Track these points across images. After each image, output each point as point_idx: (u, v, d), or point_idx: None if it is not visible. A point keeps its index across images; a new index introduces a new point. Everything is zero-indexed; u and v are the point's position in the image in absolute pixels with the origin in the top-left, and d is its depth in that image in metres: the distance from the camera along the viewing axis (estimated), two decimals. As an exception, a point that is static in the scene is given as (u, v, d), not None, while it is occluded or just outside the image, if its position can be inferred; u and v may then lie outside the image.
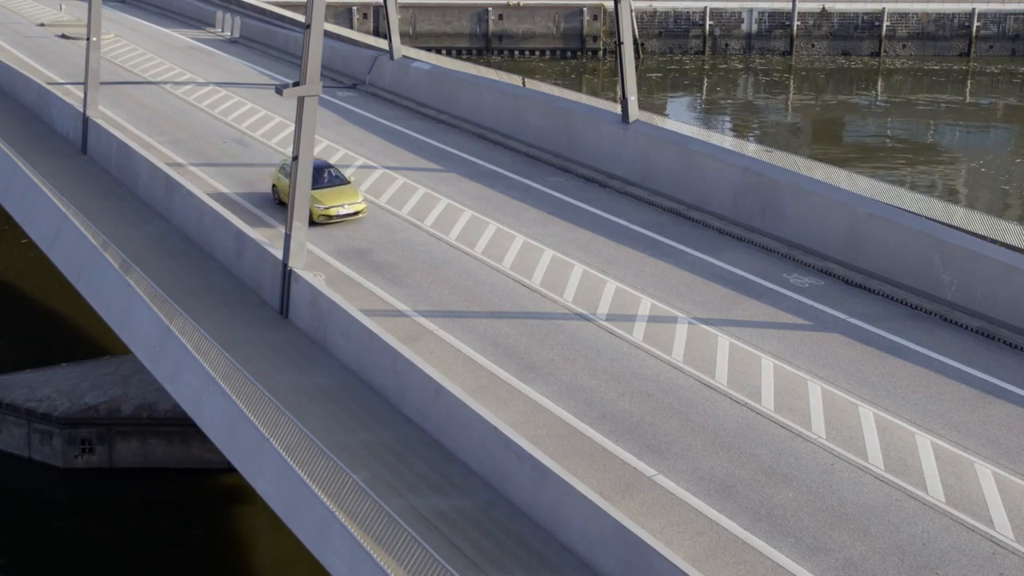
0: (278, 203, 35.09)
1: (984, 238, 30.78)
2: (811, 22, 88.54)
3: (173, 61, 56.61)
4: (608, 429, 23.01)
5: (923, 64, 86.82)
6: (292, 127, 41.84)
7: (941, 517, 20.22)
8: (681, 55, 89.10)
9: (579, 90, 66.88)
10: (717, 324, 27.61)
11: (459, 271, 30.75)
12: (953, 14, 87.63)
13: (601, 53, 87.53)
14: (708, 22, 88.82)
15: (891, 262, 29.77)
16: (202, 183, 37.19)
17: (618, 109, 39.36)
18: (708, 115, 76.14)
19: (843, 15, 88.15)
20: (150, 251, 32.29)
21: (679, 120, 56.05)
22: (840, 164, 48.62)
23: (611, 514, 18.78)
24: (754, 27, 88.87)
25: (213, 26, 66.81)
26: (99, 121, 40.84)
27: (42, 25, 65.21)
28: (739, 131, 70.85)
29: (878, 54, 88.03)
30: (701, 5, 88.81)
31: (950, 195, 57.52)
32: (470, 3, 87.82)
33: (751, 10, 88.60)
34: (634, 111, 38.21)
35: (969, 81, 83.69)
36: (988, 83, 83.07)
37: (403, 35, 72.85)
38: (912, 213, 31.74)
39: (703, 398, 24.21)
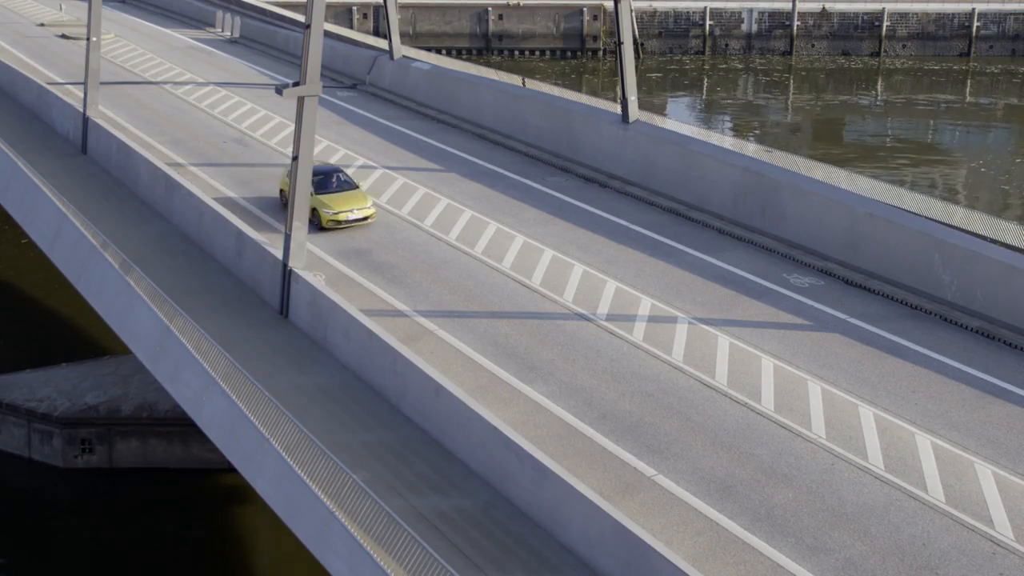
0: (285, 207, 34.69)
1: (984, 238, 30.78)
2: (811, 22, 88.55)
3: (173, 61, 56.60)
4: (608, 429, 23.01)
5: (923, 64, 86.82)
6: (292, 127, 41.84)
7: (941, 517, 20.22)
8: (681, 55, 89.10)
9: (579, 90, 66.90)
10: (717, 324, 27.61)
11: (459, 271, 30.75)
12: (953, 14, 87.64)
13: (601, 53, 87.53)
14: (708, 22, 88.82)
15: (891, 262, 29.77)
16: (202, 183, 37.19)
17: (618, 109, 39.36)
18: (708, 115, 76.14)
19: (843, 15, 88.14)
20: (150, 251, 32.29)
21: (679, 120, 56.05)
22: (840, 164, 48.64)
23: (611, 514, 18.78)
24: (754, 27, 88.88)
25: (213, 26, 66.81)
26: (99, 121, 40.84)
27: (42, 25, 65.20)
28: (739, 131, 70.85)
29: (878, 54, 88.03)
30: (701, 5, 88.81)
31: (950, 195, 57.53)
32: (470, 3, 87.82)
33: (751, 10, 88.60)
34: (634, 111, 38.22)
35: (969, 81, 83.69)
36: (988, 83, 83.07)
37: (403, 35, 72.88)
38: (912, 213, 31.74)
39: (703, 398, 24.21)
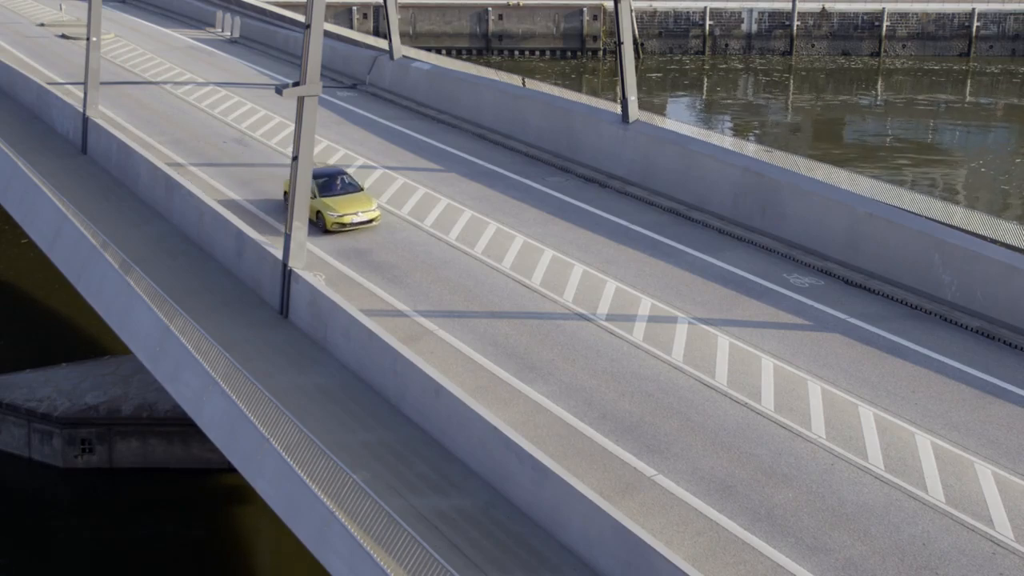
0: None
1: (984, 238, 30.78)
2: (811, 22, 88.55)
3: (173, 61, 56.61)
4: (608, 429, 23.01)
5: (923, 64, 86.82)
6: (292, 127, 41.83)
7: (941, 517, 20.22)
8: (681, 55, 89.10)
9: (579, 90, 66.91)
10: (717, 324, 27.61)
11: (459, 271, 30.75)
12: (953, 14, 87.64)
13: (601, 53, 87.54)
14: (708, 22, 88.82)
15: (891, 262, 29.77)
16: (202, 183, 37.19)
17: (618, 109, 39.36)
18: (708, 115, 76.15)
19: (843, 15, 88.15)
20: (150, 251, 32.29)
21: (679, 120, 56.06)
22: (840, 164, 48.64)
23: (611, 514, 18.78)
24: (754, 27, 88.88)
25: (213, 26, 66.81)
26: (99, 121, 40.84)
27: (42, 25, 65.20)
28: (739, 131, 70.85)
29: (878, 54, 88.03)
30: (701, 5, 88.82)
31: (950, 195, 57.53)
32: (470, 3, 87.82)
33: (751, 10, 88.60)
34: (634, 111, 38.22)
35: (969, 81, 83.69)
36: (988, 83, 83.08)
37: (403, 35, 72.87)
38: (912, 213, 31.74)
39: (703, 398, 24.21)
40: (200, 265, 31.58)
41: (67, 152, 41.58)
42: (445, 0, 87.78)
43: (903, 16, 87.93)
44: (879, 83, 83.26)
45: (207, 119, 45.74)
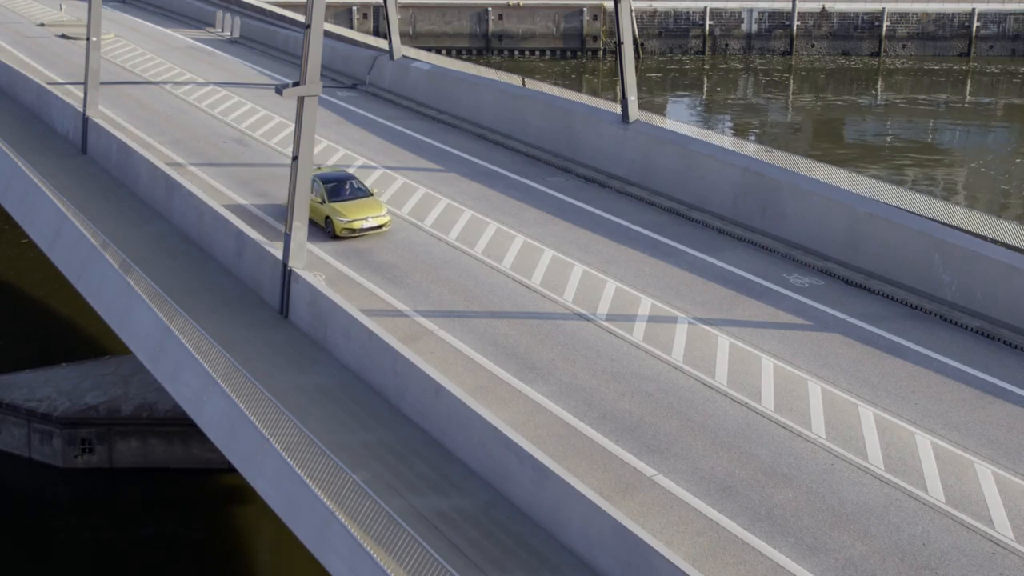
0: None
1: (984, 238, 30.78)
2: (811, 22, 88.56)
3: (173, 61, 56.61)
4: (608, 429, 23.01)
5: (923, 64, 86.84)
6: (292, 127, 41.83)
7: (941, 517, 20.22)
8: (681, 55, 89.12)
9: (579, 90, 66.92)
10: (717, 324, 27.61)
11: (459, 271, 30.75)
12: (953, 14, 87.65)
13: (601, 53, 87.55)
14: (708, 22, 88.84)
15: (891, 262, 29.77)
16: (202, 183, 37.19)
17: (618, 109, 39.36)
18: (708, 115, 76.15)
19: (843, 15, 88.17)
20: (150, 251, 32.29)
21: (679, 120, 56.07)
22: (840, 164, 48.63)
23: (611, 514, 18.78)
24: (754, 27, 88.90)
25: (213, 26, 66.81)
26: (99, 121, 40.84)
27: (42, 25, 65.20)
28: (739, 131, 70.86)
29: (878, 54, 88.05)
30: (701, 5, 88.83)
31: (950, 195, 57.54)
32: (470, 3, 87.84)
33: (751, 10, 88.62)
34: (634, 111, 38.22)
35: (969, 81, 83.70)
36: (988, 83, 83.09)
37: (403, 35, 72.88)
38: (912, 213, 31.74)
39: (703, 398, 24.21)
40: (200, 265, 31.58)
41: (67, 152, 41.58)
42: (445, 0, 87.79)
43: (903, 16, 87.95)
44: (879, 83, 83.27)
45: (207, 119, 45.74)
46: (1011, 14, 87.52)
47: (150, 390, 33.32)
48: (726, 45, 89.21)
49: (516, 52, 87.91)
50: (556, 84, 59.91)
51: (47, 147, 42.02)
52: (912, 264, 29.25)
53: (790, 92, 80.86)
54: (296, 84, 27.64)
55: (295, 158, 28.08)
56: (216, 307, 28.91)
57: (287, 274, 28.25)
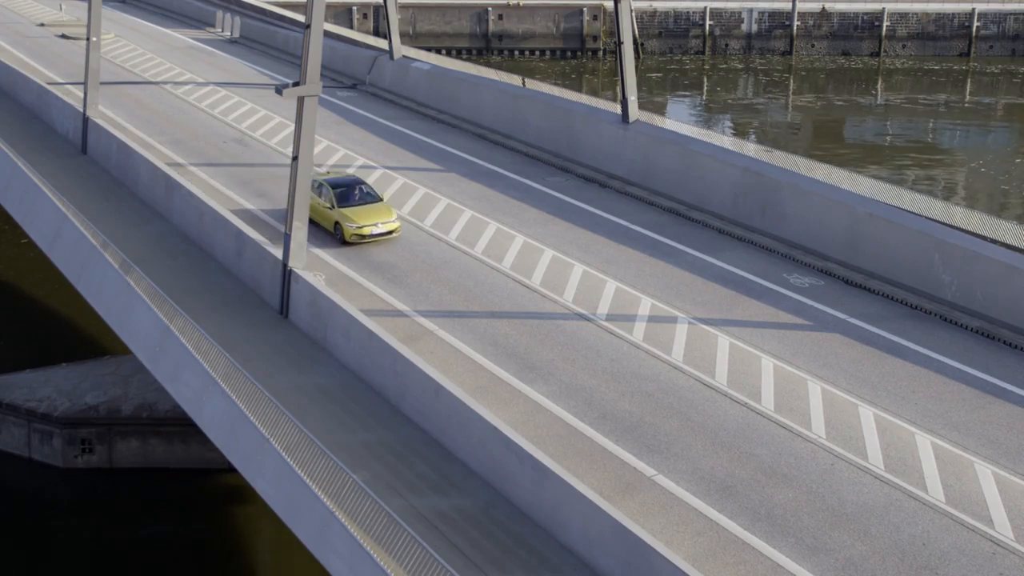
0: (311, 223, 33.22)
1: (984, 238, 30.78)
2: (811, 22, 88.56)
3: (173, 61, 56.61)
4: (608, 429, 23.02)
5: (923, 64, 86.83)
6: (292, 127, 41.84)
7: (941, 517, 20.22)
8: (681, 55, 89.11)
9: (579, 90, 66.90)
10: (717, 324, 27.61)
11: (459, 271, 30.75)
12: (953, 14, 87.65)
13: (601, 53, 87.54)
14: (708, 22, 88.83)
15: (891, 262, 29.77)
16: (202, 183, 37.19)
17: (618, 109, 39.36)
18: (708, 115, 76.16)
19: (843, 15, 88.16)
20: (150, 251, 32.29)
21: (679, 120, 56.07)
22: (841, 164, 48.63)
23: (611, 514, 18.79)
24: (754, 27, 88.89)
25: (213, 26, 66.81)
26: (99, 121, 40.84)
27: (42, 25, 65.20)
28: (739, 131, 70.86)
29: (878, 54, 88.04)
30: (701, 5, 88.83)
31: (950, 195, 57.53)
32: (470, 3, 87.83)
33: (751, 10, 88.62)
34: (634, 111, 38.22)
35: (969, 81, 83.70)
36: (988, 83, 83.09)
37: (403, 35, 72.89)
38: (912, 213, 31.74)
39: (703, 398, 24.21)
40: (200, 265, 31.58)
41: (67, 152, 41.58)
42: (445, 0, 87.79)
43: (903, 16, 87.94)
44: (879, 83, 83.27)
45: (207, 119, 45.74)
46: (1011, 14, 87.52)
47: (150, 390, 33.32)
48: (726, 45, 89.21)
49: (516, 52, 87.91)
50: (556, 84, 59.92)
51: (47, 147, 42.02)
52: (912, 264, 29.25)
53: (790, 92, 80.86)
54: (296, 84, 27.64)
55: (295, 158, 28.08)
56: (216, 307, 28.91)
57: (287, 274, 28.25)
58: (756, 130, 72.33)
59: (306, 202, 28.50)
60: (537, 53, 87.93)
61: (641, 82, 76.49)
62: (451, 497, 21.14)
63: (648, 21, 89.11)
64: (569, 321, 27.77)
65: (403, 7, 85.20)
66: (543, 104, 42.23)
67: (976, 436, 22.76)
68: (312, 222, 33.06)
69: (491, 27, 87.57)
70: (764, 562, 19.04)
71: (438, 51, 73.58)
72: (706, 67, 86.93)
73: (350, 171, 38.81)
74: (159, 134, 43.29)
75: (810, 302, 28.89)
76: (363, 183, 34.12)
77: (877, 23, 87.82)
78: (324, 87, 44.62)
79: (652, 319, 27.88)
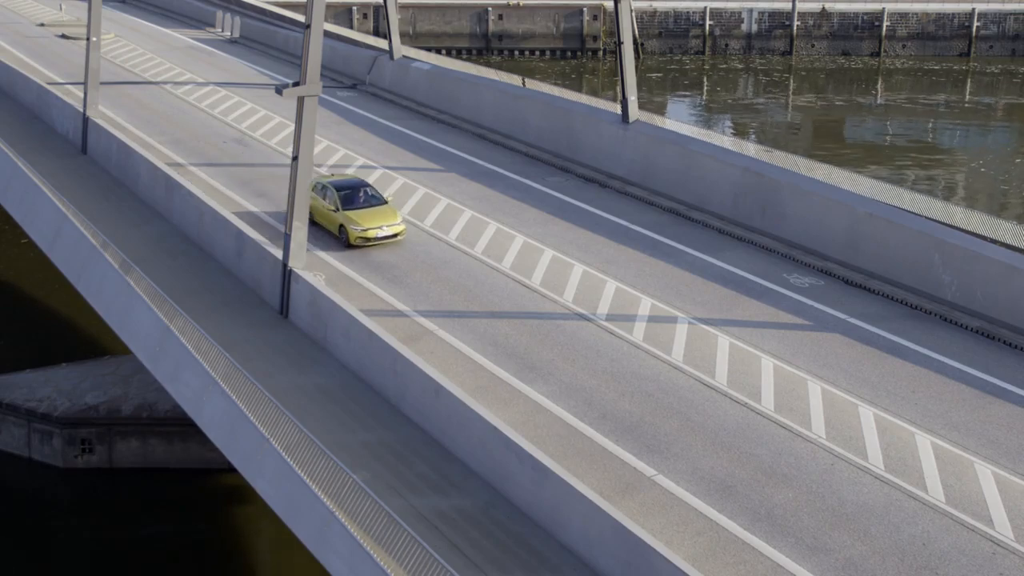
0: (311, 223, 32.67)
1: (984, 238, 30.78)
2: (811, 22, 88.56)
3: (173, 61, 56.61)
4: (608, 429, 23.02)
5: (923, 64, 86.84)
6: (292, 127, 41.83)
7: (941, 517, 20.22)
8: (681, 55, 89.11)
9: (579, 90, 66.91)
10: (717, 324, 27.62)
11: (459, 271, 30.75)
12: (953, 14, 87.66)
13: (601, 53, 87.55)
14: (708, 22, 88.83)
15: (891, 262, 29.77)
16: (202, 183, 37.18)
17: (618, 109, 39.36)
18: (708, 115, 76.16)
19: (843, 15, 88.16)
20: (150, 251, 32.29)
21: (679, 120, 56.07)
22: (840, 164, 48.63)
23: (611, 514, 18.79)
24: (754, 27, 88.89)
25: (213, 26, 66.82)
26: (99, 121, 40.85)
27: (42, 25, 65.20)
28: (739, 131, 70.86)
29: (878, 54, 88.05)
30: (701, 5, 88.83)
31: (950, 195, 57.53)
32: (470, 3, 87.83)
33: (751, 10, 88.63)
34: (634, 111, 38.22)
35: (969, 81, 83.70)
36: (988, 83, 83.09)
37: (403, 35, 72.86)
38: (912, 213, 31.74)
39: (703, 398, 24.21)
40: (200, 265, 31.59)
41: (67, 152, 41.59)
42: (445, 0, 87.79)
43: (903, 16, 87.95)
44: (879, 83, 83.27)
45: (207, 119, 45.75)
46: (1011, 14, 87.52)
47: (150, 390, 33.32)
48: (726, 45, 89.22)
49: (516, 52, 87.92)
50: (556, 84, 59.92)
51: (47, 147, 42.03)
52: (912, 264, 29.25)
53: (790, 92, 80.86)
54: (296, 84, 27.65)
55: (295, 158, 28.08)
56: (216, 307, 28.91)
57: (287, 274, 28.25)
58: (756, 130, 72.33)
59: (306, 202, 28.49)
60: (537, 53, 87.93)
61: (641, 82, 76.50)
62: (451, 497, 21.14)
63: (648, 21, 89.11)
64: (569, 321, 27.77)
65: (403, 7, 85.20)
66: (543, 104, 42.23)
67: (976, 436, 22.76)
68: (316, 225, 33.07)
69: (491, 27, 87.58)
70: (764, 562, 19.04)
71: (438, 51, 73.58)
72: (706, 67, 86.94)
73: (350, 171, 38.81)
74: (159, 134, 43.29)
75: (810, 302, 28.89)
76: (368, 185, 33.76)
77: (877, 23, 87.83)
78: (324, 87, 44.59)
79: (652, 319, 27.88)
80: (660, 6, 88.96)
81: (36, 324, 42.13)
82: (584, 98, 45.63)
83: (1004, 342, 26.63)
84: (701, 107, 78.11)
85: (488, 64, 73.38)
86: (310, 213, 33.17)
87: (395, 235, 32.43)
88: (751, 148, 45.29)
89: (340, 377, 25.57)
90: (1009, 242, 31.48)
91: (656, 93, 79.62)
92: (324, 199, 33.03)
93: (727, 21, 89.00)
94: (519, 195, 36.94)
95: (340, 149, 41.96)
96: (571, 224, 34.30)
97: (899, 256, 29.60)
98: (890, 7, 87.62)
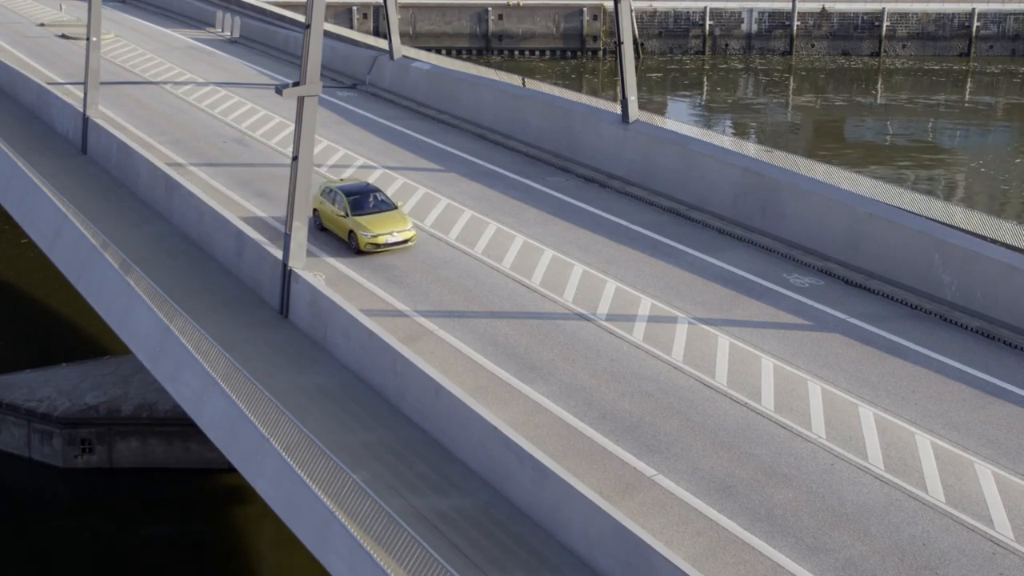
0: (320, 228, 33.07)
1: (984, 238, 30.78)
2: (811, 22, 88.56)
3: (173, 61, 56.61)
4: (608, 429, 23.02)
5: (923, 64, 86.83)
6: (292, 127, 41.84)
7: (941, 517, 20.22)
8: (681, 55, 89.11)
9: (579, 90, 66.91)
10: (717, 324, 27.61)
11: (459, 271, 30.75)
12: (953, 14, 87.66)
13: (601, 53, 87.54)
14: (708, 22, 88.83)
15: (891, 262, 29.77)
16: (202, 183, 37.18)
17: (618, 109, 39.36)
18: (708, 115, 76.15)
19: (843, 15, 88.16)
20: (150, 251, 32.29)
21: (679, 120, 56.07)
22: (840, 164, 48.64)
23: (611, 514, 18.79)
24: (754, 27, 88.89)
25: (213, 26, 66.82)
26: (99, 121, 40.85)
27: (42, 25, 65.21)
28: (739, 131, 70.86)
29: (878, 54, 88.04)
30: (701, 5, 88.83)
31: (950, 195, 57.53)
32: (470, 3, 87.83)
33: (751, 10, 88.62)
34: (634, 111, 38.22)
35: (969, 81, 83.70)
36: (988, 83, 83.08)
37: (403, 35, 72.88)
38: (912, 213, 31.74)
39: (703, 398, 24.21)
40: (200, 265, 31.59)
41: (67, 152, 41.59)
42: (445, 0, 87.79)
43: (903, 16, 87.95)
44: (879, 83, 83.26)
45: (207, 119, 45.75)
46: (1011, 14, 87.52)
47: (150, 390, 33.32)
48: (726, 45, 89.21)
49: (516, 52, 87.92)
50: (556, 84, 59.91)
51: (47, 147, 42.03)
52: (912, 264, 29.25)
53: (790, 92, 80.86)
54: (296, 84, 27.65)
55: (295, 158, 28.09)
56: (216, 307, 28.91)
57: (287, 274, 28.25)
58: (756, 130, 72.33)
59: (306, 202, 28.49)
60: (537, 53, 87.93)
61: (641, 82, 76.50)
62: (451, 497, 21.14)
63: (648, 21, 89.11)
64: (569, 321, 27.77)
65: (403, 7, 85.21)
66: (543, 104, 42.23)
67: (976, 436, 22.76)
68: (325, 230, 32.99)
69: (491, 27, 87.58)
70: (764, 562, 19.04)
71: (438, 51, 73.59)
72: (706, 67, 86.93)
73: (350, 171, 38.81)
74: (159, 134, 43.29)
75: (810, 302, 28.89)
76: (377, 190, 33.21)
77: (877, 23, 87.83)
78: (324, 87, 44.61)
79: (652, 319, 27.88)
80: (660, 6, 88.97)
81: (36, 324, 42.13)
82: (584, 98, 45.63)
83: (1004, 342, 26.63)
84: (701, 107, 78.10)
85: (488, 64, 73.38)
86: (319, 218, 33.26)
87: (405, 241, 31.95)
88: (751, 148, 45.28)
89: (340, 377, 25.57)
90: (1009, 242, 31.49)
91: (656, 93, 79.62)
92: (333, 204, 32.68)
93: (727, 21, 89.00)
94: (519, 195, 36.94)
95: (340, 149, 41.96)
96: (571, 224, 34.30)
97: (899, 256, 29.60)
98: (890, 7, 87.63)
